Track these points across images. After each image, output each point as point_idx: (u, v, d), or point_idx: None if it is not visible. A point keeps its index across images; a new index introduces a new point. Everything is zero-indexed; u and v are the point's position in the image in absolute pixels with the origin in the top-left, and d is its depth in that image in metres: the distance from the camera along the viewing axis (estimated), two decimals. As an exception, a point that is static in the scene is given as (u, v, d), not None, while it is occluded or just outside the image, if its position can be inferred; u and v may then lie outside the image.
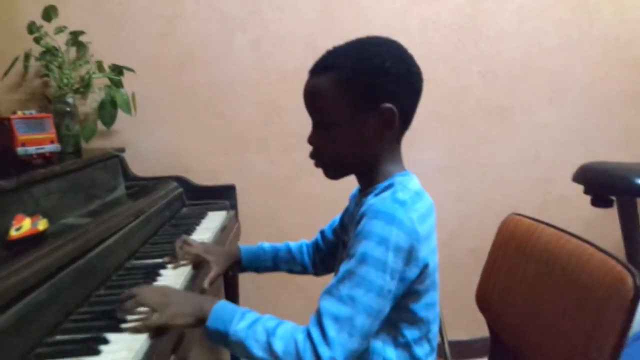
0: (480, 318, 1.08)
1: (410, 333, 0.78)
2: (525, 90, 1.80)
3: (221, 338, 0.70)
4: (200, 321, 0.73)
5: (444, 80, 1.75)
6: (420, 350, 0.79)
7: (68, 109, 1.46)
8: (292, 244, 1.06)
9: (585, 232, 1.88)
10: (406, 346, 0.78)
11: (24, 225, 0.92)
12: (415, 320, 0.78)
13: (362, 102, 0.76)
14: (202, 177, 1.67)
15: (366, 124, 0.76)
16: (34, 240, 0.92)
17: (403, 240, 0.69)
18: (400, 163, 0.83)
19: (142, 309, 0.78)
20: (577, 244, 0.86)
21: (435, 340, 0.84)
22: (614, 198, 1.30)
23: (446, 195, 1.83)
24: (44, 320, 0.73)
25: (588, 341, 0.74)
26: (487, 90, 1.77)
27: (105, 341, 0.71)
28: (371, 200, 0.74)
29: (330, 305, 0.68)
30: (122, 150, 1.58)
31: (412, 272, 0.72)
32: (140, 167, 1.63)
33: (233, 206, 1.63)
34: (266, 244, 1.07)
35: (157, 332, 0.74)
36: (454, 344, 1.80)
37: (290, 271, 1.06)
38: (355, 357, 0.69)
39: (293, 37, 1.68)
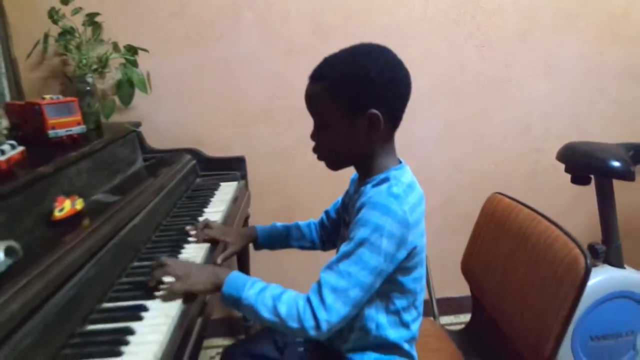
0: (467, 278, 1.23)
1: (399, 302, 0.92)
2: (520, 64, 1.87)
3: (234, 302, 0.85)
4: (217, 287, 0.88)
5: (443, 55, 1.83)
6: (408, 315, 0.94)
7: (88, 87, 1.56)
8: (302, 223, 1.19)
9: (573, 200, 2.03)
10: (396, 312, 0.92)
11: (65, 206, 1.05)
12: (404, 291, 0.91)
13: (351, 108, 0.86)
14: (214, 149, 1.78)
15: (355, 127, 0.87)
16: (74, 219, 1.06)
17: (395, 228, 0.82)
18: (393, 156, 0.94)
19: (168, 278, 0.92)
20: (547, 225, 0.98)
21: (421, 306, 0.98)
22: (592, 177, 1.42)
23: (443, 164, 1.95)
24: (94, 291, 0.88)
25: (546, 310, 0.88)
26: (483, 65, 1.85)
27: (146, 308, 0.86)
28: (370, 192, 0.86)
29: (329, 278, 0.82)
30: (139, 124, 1.69)
31: (401, 254, 0.85)
32: (155, 139, 1.75)
33: (243, 176, 1.75)
34: (278, 224, 1.20)
35: (185, 298, 0.89)
36: (445, 300, 1.98)
37: (301, 247, 1.19)
38: (345, 322, 0.84)
39: (298, 13, 1.74)
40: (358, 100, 0.85)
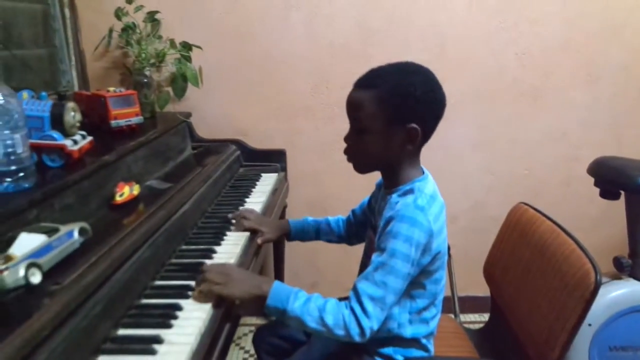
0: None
1: (422, 301, 1.00)
2: (560, 72, 1.88)
3: (279, 313, 0.92)
4: (257, 298, 0.93)
5: (482, 60, 1.86)
6: (428, 313, 1.02)
7: (145, 80, 1.69)
8: (331, 219, 1.29)
9: (604, 211, 2.04)
10: (417, 311, 1.00)
11: (125, 192, 1.18)
12: (426, 292, 0.99)
13: (393, 119, 0.93)
14: (256, 141, 1.90)
15: (393, 137, 0.94)
16: (131, 203, 1.19)
17: (422, 238, 0.90)
18: (418, 168, 1.01)
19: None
20: (565, 239, 1.03)
21: (440, 304, 1.06)
22: (622, 192, 1.44)
23: (476, 167, 1.99)
24: (148, 270, 1.00)
25: (556, 319, 0.95)
26: (522, 71, 1.87)
27: (192, 288, 0.97)
28: (397, 205, 0.93)
29: (367, 288, 0.90)
30: (189, 115, 1.82)
31: (425, 259, 0.93)
32: (203, 129, 1.88)
33: (283, 168, 1.86)
34: (310, 219, 1.29)
35: (218, 302, 0.93)
36: (470, 299, 2.04)
37: (329, 241, 1.29)
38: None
39: (342, 15, 1.81)
40: (402, 113, 0.92)
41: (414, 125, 0.92)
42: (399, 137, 0.94)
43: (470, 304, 2.06)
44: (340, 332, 0.89)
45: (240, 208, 1.43)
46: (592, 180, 1.58)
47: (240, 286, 0.95)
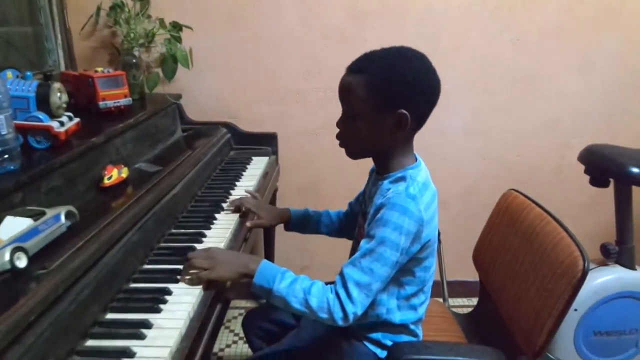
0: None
1: (410, 288, 1.00)
2: (554, 59, 1.87)
3: (264, 292, 0.92)
4: (245, 276, 0.94)
5: (476, 46, 1.85)
6: (417, 300, 1.02)
7: (134, 60, 1.66)
8: (332, 212, 1.27)
9: (594, 198, 2.05)
10: (405, 297, 1.01)
11: (113, 174, 1.17)
12: (415, 279, 0.99)
13: (383, 105, 0.92)
14: (247, 124, 1.88)
15: (383, 123, 0.93)
16: (120, 186, 1.18)
17: (412, 226, 0.89)
18: (411, 155, 1.00)
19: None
20: (554, 226, 1.04)
21: (430, 291, 1.06)
22: (611, 180, 1.45)
23: (468, 152, 1.99)
24: (137, 254, 0.99)
25: (543, 305, 0.96)
26: (516, 58, 1.86)
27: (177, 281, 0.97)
28: (388, 193, 0.93)
29: (353, 273, 0.90)
30: (179, 97, 1.79)
31: (415, 247, 0.93)
32: (193, 111, 1.86)
33: (274, 152, 1.85)
34: (311, 210, 1.28)
35: (208, 285, 0.94)
36: (459, 283, 2.06)
37: (329, 234, 1.28)
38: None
39: (336, -3, 1.78)
40: (391, 99, 0.91)
41: (403, 111, 0.91)
42: (389, 123, 0.93)
43: (459, 289, 2.08)
44: (324, 315, 0.89)
45: (232, 191, 1.42)
46: (582, 167, 1.59)
47: (228, 267, 0.95)
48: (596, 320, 1.49)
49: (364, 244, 0.92)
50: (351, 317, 0.89)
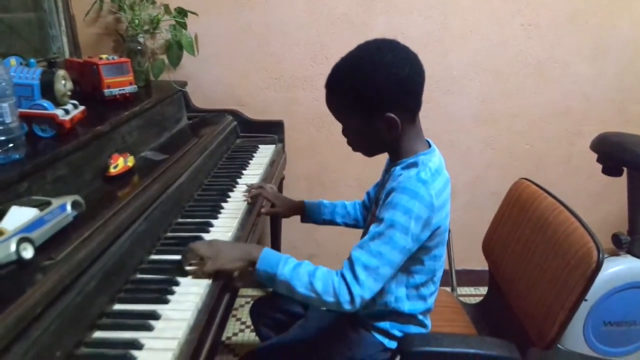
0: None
1: (419, 277, 0.99)
2: (566, 46, 1.83)
3: (269, 278, 0.90)
4: (249, 264, 0.92)
5: (487, 32, 1.81)
6: (426, 290, 1.01)
7: (139, 47, 1.64)
8: (347, 202, 1.26)
9: (605, 187, 2.03)
10: (415, 287, 0.99)
11: (119, 163, 1.15)
12: (425, 268, 0.98)
13: (365, 115, 0.91)
14: (253, 111, 1.86)
15: (374, 128, 0.92)
16: (126, 175, 1.17)
17: (423, 211, 0.88)
18: (420, 138, 0.98)
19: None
20: (567, 216, 1.02)
21: (439, 281, 1.05)
22: (624, 168, 1.42)
23: (476, 140, 1.96)
24: (144, 244, 0.99)
25: (555, 297, 0.94)
26: (528, 44, 1.82)
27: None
28: (399, 177, 0.92)
29: (361, 256, 0.88)
30: (185, 84, 1.77)
31: (425, 234, 0.91)
32: (199, 99, 1.84)
33: (281, 140, 1.83)
34: (326, 201, 1.27)
35: (213, 276, 0.92)
36: (467, 272, 2.05)
37: (345, 225, 1.26)
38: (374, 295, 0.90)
39: (344, -18, 1.75)
40: (370, 108, 0.90)
41: (390, 114, 0.89)
42: (381, 127, 0.92)
43: (467, 278, 2.08)
44: (330, 298, 0.87)
45: (238, 180, 1.41)
46: (593, 156, 1.56)
47: (230, 256, 0.93)
48: (606, 310, 1.47)
49: (373, 227, 0.90)
50: (358, 300, 0.86)
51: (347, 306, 0.87)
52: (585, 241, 0.93)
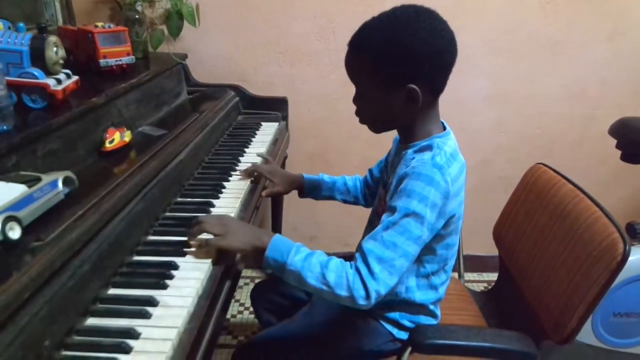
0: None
1: (430, 266, 0.94)
2: (583, 25, 1.75)
3: (278, 266, 0.84)
4: (256, 250, 0.86)
5: (500, 9, 1.72)
6: (437, 279, 0.96)
7: (137, 16, 1.55)
8: (348, 178, 1.20)
9: (616, 174, 1.96)
10: (426, 276, 0.95)
11: (115, 138, 1.09)
12: (437, 256, 0.93)
13: (388, 82, 0.84)
14: (256, 87, 1.79)
15: (392, 99, 0.85)
16: (122, 150, 1.11)
17: (438, 198, 0.82)
18: (436, 121, 0.92)
19: (204, 236, 0.90)
20: (589, 204, 0.97)
21: (451, 270, 1.00)
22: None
23: (486, 123, 1.90)
24: (141, 224, 0.93)
25: (575, 289, 0.89)
26: (544, 23, 1.74)
27: (188, 245, 0.91)
28: (413, 162, 0.85)
29: (375, 248, 0.81)
30: (185, 56, 1.69)
31: (440, 223, 0.85)
32: (200, 73, 1.76)
33: (284, 117, 1.76)
34: (326, 176, 1.21)
35: (218, 257, 0.88)
36: (471, 258, 2.00)
37: (344, 201, 1.20)
38: (390, 291, 0.83)
39: (354, -49, 1.66)
40: (396, 75, 0.83)
41: (412, 86, 0.82)
42: (400, 99, 0.85)
43: (470, 263, 2.03)
44: (343, 292, 0.80)
45: (241, 158, 1.35)
46: (607, 142, 1.50)
47: (240, 237, 0.87)
48: (617, 301, 1.43)
49: (385, 217, 0.84)
50: (374, 295, 0.80)
51: (361, 302, 0.80)
52: (609, 231, 0.87)
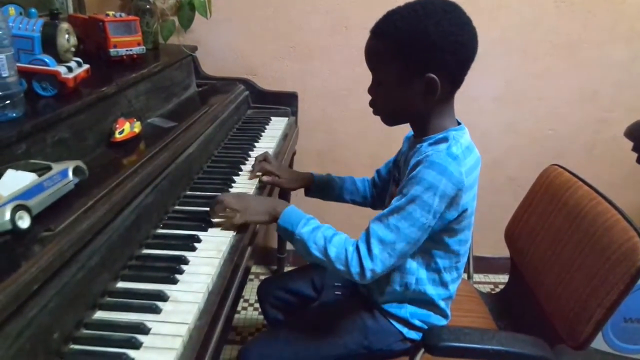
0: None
1: (442, 261, 0.93)
2: (599, 25, 1.72)
3: (287, 234, 0.90)
4: (273, 218, 0.93)
5: (516, 8, 1.70)
6: (448, 276, 0.95)
7: (148, 6, 1.54)
8: (357, 178, 1.19)
9: (628, 177, 1.93)
10: (437, 271, 0.94)
11: (125, 129, 1.07)
12: (449, 252, 0.92)
13: (408, 70, 0.83)
14: (266, 81, 1.77)
15: (411, 89, 0.84)
16: (132, 141, 1.09)
17: (450, 189, 0.81)
18: (452, 116, 0.91)
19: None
20: (607, 207, 0.95)
21: (462, 268, 0.99)
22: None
23: (498, 123, 1.87)
24: (150, 217, 0.91)
25: (591, 293, 0.87)
26: (559, 23, 1.71)
27: (198, 239, 0.90)
28: (428, 151, 0.84)
29: (378, 229, 0.83)
30: (195, 48, 1.67)
31: (451, 214, 0.85)
32: (210, 65, 1.74)
33: (294, 112, 1.74)
34: (334, 176, 1.19)
35: (239, 228, 0.96)
36: (479, 259, 1.99)
37: (353, 202, 1.19)
38: (388, 271, 0.86)
39: (368, -54, 1.63)
40: (417, 63, 0.83)
41: (432, 75, 0.82)
42: (418, 88, 0.84)
43: (478, 264, 2.01)
44: (340, 266, 0.85)
45: (251, 153, 1.33)
46: (619, 145, 1.48)
47: (258, 210, 0.95)
48: (629, 307, 1.42)
49: (395, 200, 0.84)
50: (368, 274, 0.83)
51: (356, 277, 0.85)
52: (629, 236, 0.85)
